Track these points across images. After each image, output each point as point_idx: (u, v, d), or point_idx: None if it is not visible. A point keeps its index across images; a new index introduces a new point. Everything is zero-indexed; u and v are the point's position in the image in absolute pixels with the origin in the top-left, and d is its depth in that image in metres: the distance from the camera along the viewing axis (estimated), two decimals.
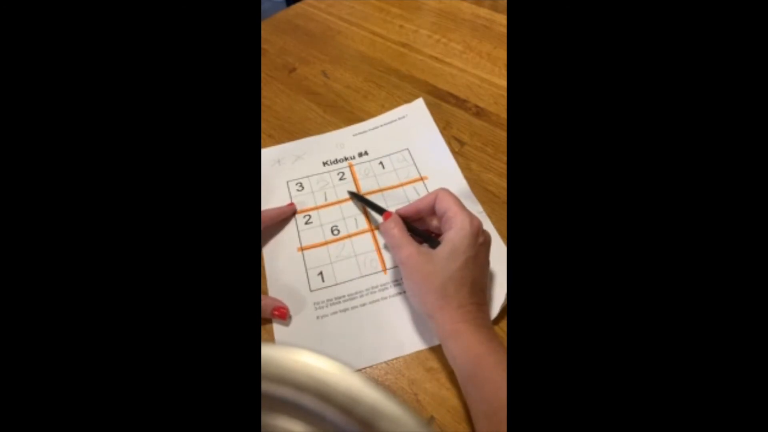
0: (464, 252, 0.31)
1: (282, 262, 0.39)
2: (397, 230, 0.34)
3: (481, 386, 0.28)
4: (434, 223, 0.37)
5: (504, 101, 0.52)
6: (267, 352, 0.14)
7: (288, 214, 0.42)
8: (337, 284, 0.37)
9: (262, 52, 0.61)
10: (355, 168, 0.46)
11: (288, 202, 0.43)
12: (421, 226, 0.37)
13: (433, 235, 0.36)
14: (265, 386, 0.14)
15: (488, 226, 0.41)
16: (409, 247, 0.32)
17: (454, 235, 0.32)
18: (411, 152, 0.47)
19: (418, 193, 0.43)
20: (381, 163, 0.46)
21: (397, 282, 0.37)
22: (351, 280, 0.38)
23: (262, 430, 0.15)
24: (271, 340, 0.35)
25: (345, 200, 0.43)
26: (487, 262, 0.34)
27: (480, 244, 0.32)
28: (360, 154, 0.47)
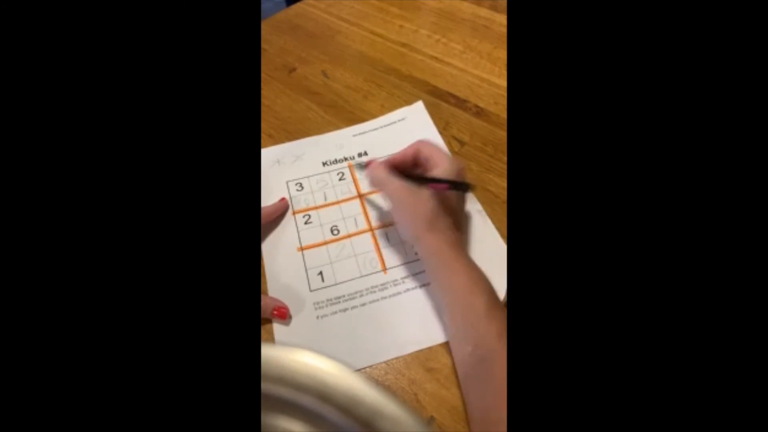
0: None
1: (282, 262, 0.39)
2: (383, 170, 0.36)
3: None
4: (417, 172, 0.39)
5: (504, 101, 0.52)
6: (267, 352, 0.14)
7: (283, 209, 0.42)
8: (337, 284, 0.37)
9: (262, 52, 0.61)
10: (355, 168, 0.46)
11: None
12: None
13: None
14: (265, 386, 0.14)
15: (488, 226, 0.41)
16: (397, 182, 0.35)
17: (440, 174, 0.35)
18: None
19: None
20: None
21: (397, 282, 0.37)
22: (351, 280, 0.38)
23: (262, 430, 0.15)
24: (271, 340, 0.35)
25: (345, 200, 0.43)
26: (463, 204, 0.39)
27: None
28: (359, 155, 0.47)
